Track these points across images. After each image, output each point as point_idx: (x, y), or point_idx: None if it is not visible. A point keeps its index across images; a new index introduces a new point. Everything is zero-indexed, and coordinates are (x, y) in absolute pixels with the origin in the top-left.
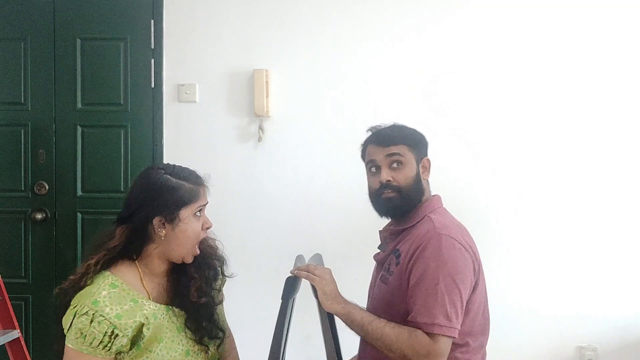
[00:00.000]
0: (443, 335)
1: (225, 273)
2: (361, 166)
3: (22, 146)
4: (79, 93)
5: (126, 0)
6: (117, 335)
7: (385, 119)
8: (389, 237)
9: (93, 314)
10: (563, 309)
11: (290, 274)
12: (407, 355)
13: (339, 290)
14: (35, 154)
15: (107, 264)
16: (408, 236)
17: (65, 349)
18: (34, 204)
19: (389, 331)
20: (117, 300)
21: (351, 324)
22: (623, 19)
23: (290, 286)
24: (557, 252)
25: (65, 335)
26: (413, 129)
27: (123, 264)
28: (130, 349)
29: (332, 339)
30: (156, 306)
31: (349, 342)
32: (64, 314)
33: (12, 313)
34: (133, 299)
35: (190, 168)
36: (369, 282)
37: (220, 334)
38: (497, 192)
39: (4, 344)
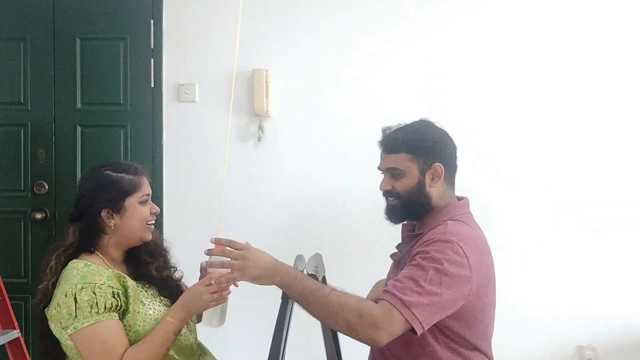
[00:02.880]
0: (401, 314)
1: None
2: (361, 166)
3: (22, 146)
4: (78, 93)
5: (126, 0)
6: (118, 293)
7: (386, 119)
8: (407, 238)
9: (90, 285)
10: (563, 309)
11: None
12: (351, 323)
13: (275, 260)
14: (35, 154)
15: (68, 260)
16: (425, 236)
17: (78, 337)
18: (34, 204)
19: (334, 299)
20: (97, 272)
21: (293, 296)
22: (624, 18)
23: None
24: (557, 252)
25: (49, 342)
26: (424, 132)
27: (84, 255)
28: (125, 314)
29: (332, 339)
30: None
31: (349, 343)
32: (45, 320)
33: (12, 313)
34: (106, 271)
35: (130, 162)
36: (376, 279)
37: None
38: (497, 193)
39: (3, 344)
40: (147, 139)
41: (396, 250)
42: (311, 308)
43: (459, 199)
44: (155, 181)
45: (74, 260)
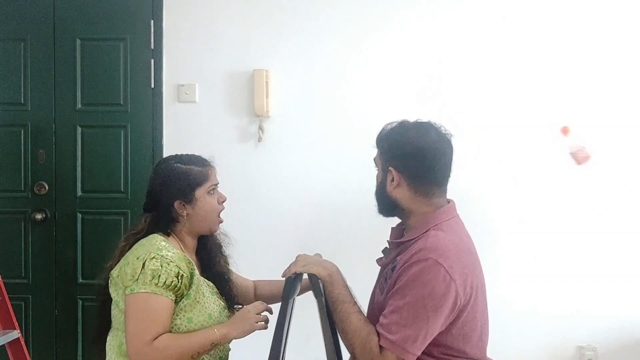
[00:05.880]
0: (392, 352)
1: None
2: (361, 166)
3: (22, 146)
4: (78, 93)
5: (126, 0)
6: (182, 276)
7: (386, 119)
8: (392, 244)
9: (160, 257)
10: (563, 309)
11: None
12: (355, 349)
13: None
14: (35, 154)
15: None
16: (407, 250)
17: (131, 299)
18: (34, 204)
19: (354, 320)
20: (171, 249)
21: (329, 295)
22: (626, 20)
23: (290, 286)
24: (557, 252)
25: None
26: (397, 133)
27: (160, 235)
28: (182, 298)
29: (332, 339)
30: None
31: None
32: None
33: (12, 313)
34: (180, 251)
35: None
36: (375, 280)
37: (238, 306)
38: (496, 192)
39: (3, 344)
40: (147, 139)
41: (382, 255)
42: (334, 314)
43: (448, 201)
44: None
45: (156, 235)
